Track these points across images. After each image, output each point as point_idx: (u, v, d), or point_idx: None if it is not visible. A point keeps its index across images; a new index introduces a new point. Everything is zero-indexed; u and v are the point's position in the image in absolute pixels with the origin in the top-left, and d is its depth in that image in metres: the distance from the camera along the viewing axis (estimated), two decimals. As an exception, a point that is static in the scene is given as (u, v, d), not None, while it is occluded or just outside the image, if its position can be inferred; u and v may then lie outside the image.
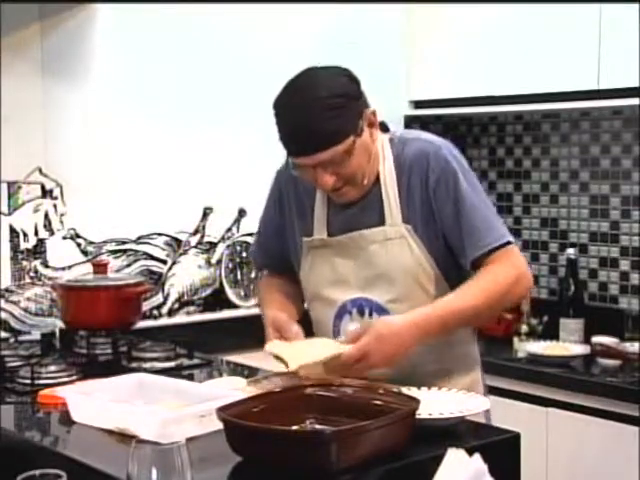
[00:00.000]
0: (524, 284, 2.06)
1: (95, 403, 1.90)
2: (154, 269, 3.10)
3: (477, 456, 1.38)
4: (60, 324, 2.75)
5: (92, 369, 2.39)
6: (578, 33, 3.07)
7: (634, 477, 2.65)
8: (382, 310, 2.07)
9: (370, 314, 2.09)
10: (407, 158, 2.08)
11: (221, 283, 3.26)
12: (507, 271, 2.02)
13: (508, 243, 2.04)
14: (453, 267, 2.08)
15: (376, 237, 2.08)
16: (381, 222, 2.08)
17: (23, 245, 2.85)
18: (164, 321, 3.11)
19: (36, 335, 2.81)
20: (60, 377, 2.29)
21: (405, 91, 3.58)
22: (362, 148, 2.02)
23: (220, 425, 1.64)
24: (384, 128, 2.15)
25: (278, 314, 2.13)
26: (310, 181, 2.06)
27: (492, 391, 2.81)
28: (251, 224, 3.30)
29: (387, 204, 2.07)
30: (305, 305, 2.27)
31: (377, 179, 2.09)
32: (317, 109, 1.95)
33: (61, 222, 2.91)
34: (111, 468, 1.60)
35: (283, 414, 1.66)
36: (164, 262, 3.13)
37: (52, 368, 2.33)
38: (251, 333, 3.26)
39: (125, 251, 3.04)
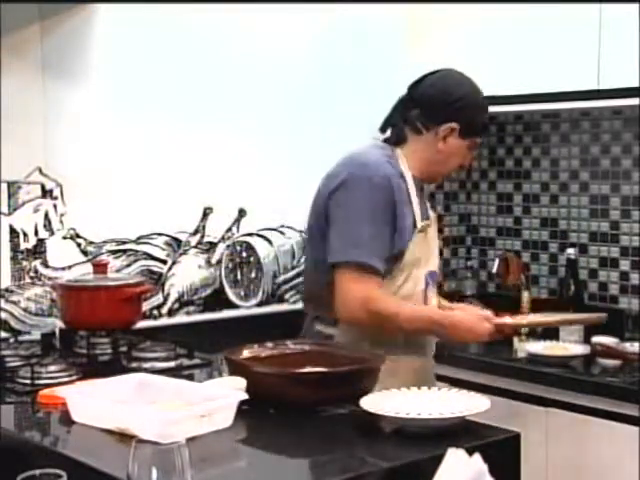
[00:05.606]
0: (342, 310, 2.39)
1: (95, 403, 1.90)
2: (154, 269, 3.10)
3: (477, 456, 1.38)
4: (60, 324, 2.75)
5: (92, 369, 2.38)
6: (578, 33, 3.07)
7: (634, 477, 2.65)
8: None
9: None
10: None
11: (221, 283, 3.26)
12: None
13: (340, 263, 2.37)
14: None
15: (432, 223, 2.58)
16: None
17: (23, 245, 2.85)
18: (164, 321, 3.11)
19: (36, 335, 2.81)
20: (60, 377, 2.29)
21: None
22: None
23: (220, 425, 1.64)
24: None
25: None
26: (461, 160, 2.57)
27: (492, 391, 2.82)
28: (251, 224, 3.31)
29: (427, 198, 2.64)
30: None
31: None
32: None
33: (61, 222, 2.91)
34: (111, 468, 1.60)
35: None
36: (164, 262, 3.13)
37: (52, 368, 2.33)
38: (251, 333, 3.28)
39: (125, 251, 3.04)
